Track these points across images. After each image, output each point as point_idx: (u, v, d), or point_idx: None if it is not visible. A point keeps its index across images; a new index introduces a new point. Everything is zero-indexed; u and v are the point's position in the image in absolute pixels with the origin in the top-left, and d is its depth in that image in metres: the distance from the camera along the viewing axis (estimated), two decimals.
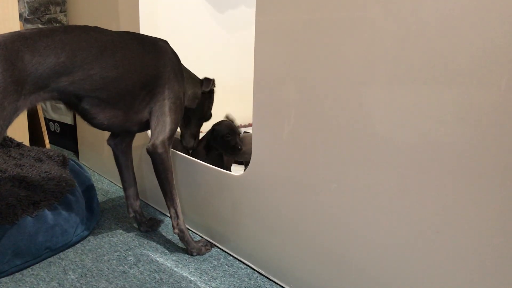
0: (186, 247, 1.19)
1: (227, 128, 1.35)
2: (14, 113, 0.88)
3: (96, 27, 1.05)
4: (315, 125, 0.90)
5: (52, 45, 0.92)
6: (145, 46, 1.11)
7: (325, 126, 0.88)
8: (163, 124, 1.10)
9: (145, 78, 1.07)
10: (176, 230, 1.15)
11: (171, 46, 1.20)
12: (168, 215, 1.41)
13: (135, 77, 1.05)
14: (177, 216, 1.15)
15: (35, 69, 0.90)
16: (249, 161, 1.22)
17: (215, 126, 1.37)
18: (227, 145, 1.34)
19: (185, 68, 1.26)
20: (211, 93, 1.34)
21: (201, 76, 1.32)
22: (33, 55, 0.90)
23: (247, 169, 1.09)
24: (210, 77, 1.31)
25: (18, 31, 0.92)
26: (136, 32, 1.17)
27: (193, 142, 1.35)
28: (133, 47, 1.07)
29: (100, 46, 1.00)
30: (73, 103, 1.02)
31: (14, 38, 0.89)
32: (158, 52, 1.13)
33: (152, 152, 1.09)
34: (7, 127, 0.87)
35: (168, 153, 1.11)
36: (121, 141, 1.27)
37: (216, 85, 1.34)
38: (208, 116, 1.38)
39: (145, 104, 1.10)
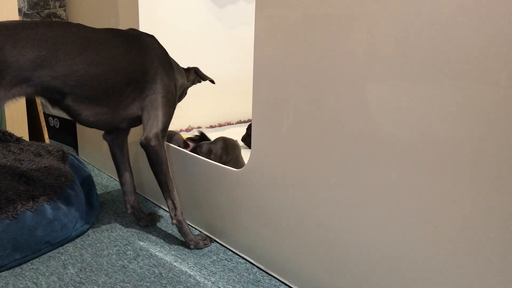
0: (184, 239, 1.20)
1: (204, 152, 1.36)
2: None
3: (80, 24, 1.05)
4: (314, 121, 0.90)
5: (34, 37, 0.92)
6: (130, 43, 1.11)
7: (324, 122, 0.88)
8: (155, 118, 1.10)
9: (130, 75, 1.07)
10: (174, 221, 1.16)
11: (158, 40, 1.19)
12: (167, 209, 1.41)
13: (121, 74, 1.05)
14: (175, 208, 1.15)
15: (15, 59, 0.89)
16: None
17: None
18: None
19: (172, 59, 1.25)
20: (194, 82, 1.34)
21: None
22: (14, 46, 0.89)
23: (246, 164, 1.09)
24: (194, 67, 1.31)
25: (0, 21, 0.91)
26: (120, 29, 1.16)
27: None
28: (117, 44, 1.07)
29: (83, 42, 0.99)
30: (56, 99, 1.01)
31: None
32: (143, 48, 1.12)
33: (145, 145, 1.10)
34: None
35: (162, 145, 1.11)
36: (117, 135, 1.27)
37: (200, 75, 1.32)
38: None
39: (131, 100, 1.09)
